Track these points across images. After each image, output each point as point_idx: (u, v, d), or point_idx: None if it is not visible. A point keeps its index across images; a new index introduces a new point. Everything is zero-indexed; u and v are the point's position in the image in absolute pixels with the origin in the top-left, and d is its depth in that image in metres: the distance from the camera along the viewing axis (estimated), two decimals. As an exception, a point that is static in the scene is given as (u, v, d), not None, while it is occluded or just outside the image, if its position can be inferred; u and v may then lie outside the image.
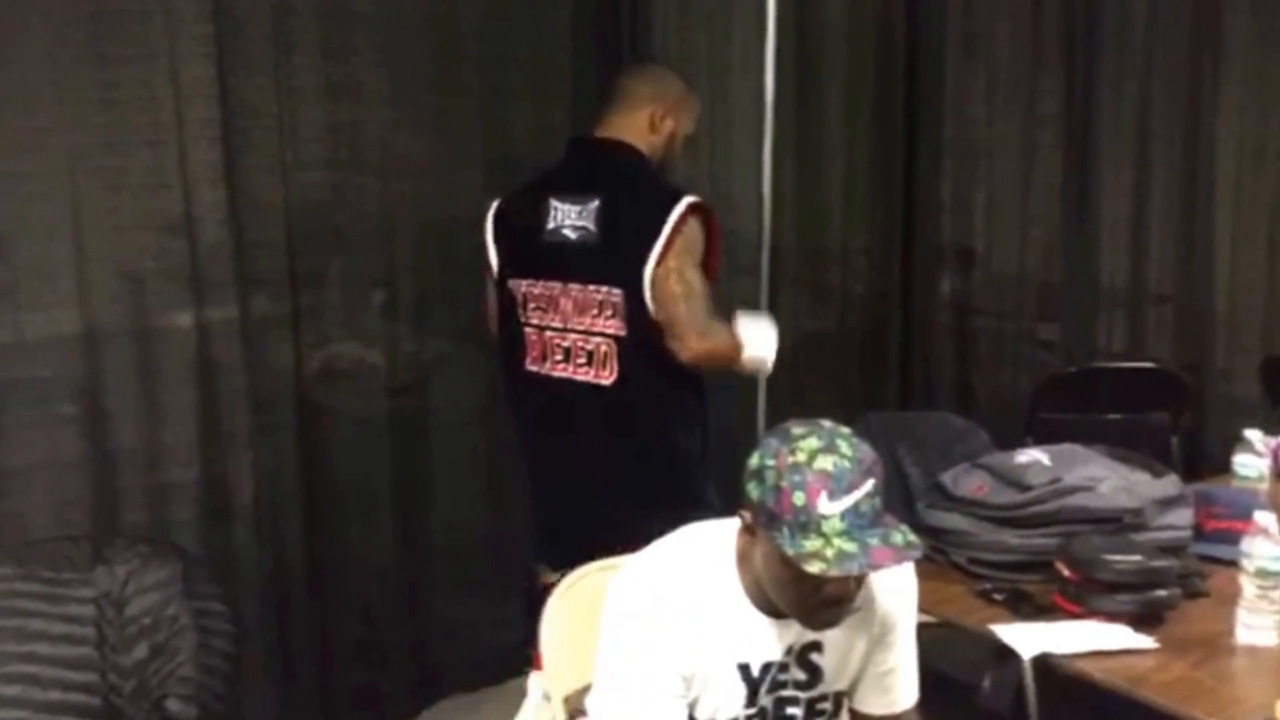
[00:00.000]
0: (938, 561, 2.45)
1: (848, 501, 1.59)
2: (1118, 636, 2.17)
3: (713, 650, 1.73)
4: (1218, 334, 4.75)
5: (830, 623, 1.72)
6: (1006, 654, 3.12)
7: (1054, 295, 4.46)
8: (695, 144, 3.55)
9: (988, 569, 2.44)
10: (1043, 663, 2.15)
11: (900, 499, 2.74)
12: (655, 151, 2.58)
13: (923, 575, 1.94)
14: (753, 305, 3.77)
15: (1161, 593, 2.24)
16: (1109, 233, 4.49)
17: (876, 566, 1.62)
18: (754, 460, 1.66)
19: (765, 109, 3.63)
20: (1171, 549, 2.39)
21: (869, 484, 1.61)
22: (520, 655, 2.57)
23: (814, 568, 1.57)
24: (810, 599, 1.66)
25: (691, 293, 2.43)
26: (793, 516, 1.59)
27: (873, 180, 4.01)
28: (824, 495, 1.59)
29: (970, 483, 2.57)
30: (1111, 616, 2.22)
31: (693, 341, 2.43)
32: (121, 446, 2.74)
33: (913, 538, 1.64)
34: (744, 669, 1.75)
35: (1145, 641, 2.16)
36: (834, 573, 1.58)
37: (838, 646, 1.81)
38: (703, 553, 1.77)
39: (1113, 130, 4.41)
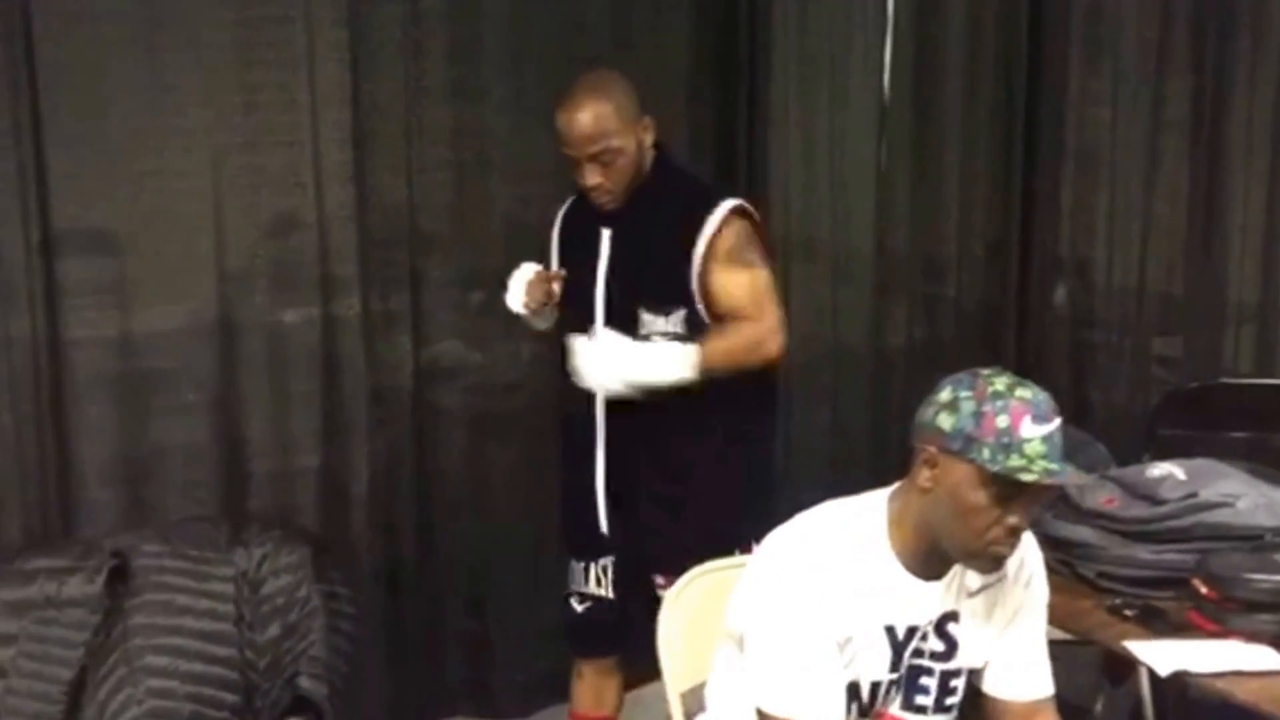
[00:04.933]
0: (1063, 575, 2.50)
1: (1048, 428, 1.81)
2: (1260, 657, 2.22)
3: (864, 611, 1.91)
4: (1355, 352, 4.83)
5: (997, 561, 1.90)
6: (1121, 675, 3.27)
7: (1176, 308, 4.58)
8: (811, 149, 3.82)
9: (1118, 584, 2.52)
10: (1174, 686, 2.23)
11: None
12: None
13: (1051, 589, 2.08)
14: (861, 313, 4.03)
15: (1305, 614, 2.29)
16: (1238, 244, 4.60)
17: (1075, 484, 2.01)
18: (944, 395, 1.86)
19: (882, 114, 3.88)
20: (1313, 570, 2.42)
21: (1059, 419, 1.84)
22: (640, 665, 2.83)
23: (1026, 476, 1.78)
24: (990, 530, 1.84)
25: None
26: (994, 439, 1.80)
27: (990, 187, 4.16)
28: (1027, 419, 1.80)
29: (1099, 495, 2.63)
30: (1251, 636, 2.27)
31: None
32: (250, 434, 3.06)
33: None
34: (890, 631, 1.94)
35: (1290, 664, 2.21)
36: (1046, 481, 1.79)
37: (975, 617, 1.99)
38: (851, 517, 1.96)
39: (1245, 137, 4.50)
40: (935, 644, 1.98)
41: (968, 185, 4.14)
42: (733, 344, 2.58)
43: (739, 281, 2.59)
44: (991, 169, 4.19)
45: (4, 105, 2.69)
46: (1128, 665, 2.71)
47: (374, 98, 3.09)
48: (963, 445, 1.82)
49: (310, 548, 2.74)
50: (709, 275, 2.58)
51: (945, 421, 1.84)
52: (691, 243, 2.56)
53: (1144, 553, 2.52)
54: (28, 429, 2.80)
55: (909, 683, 1.99)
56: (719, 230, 2.57)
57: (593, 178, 2.58)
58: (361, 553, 3.19)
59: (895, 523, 1.94)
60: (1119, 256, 4.43)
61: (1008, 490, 1.81)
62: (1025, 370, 4.27)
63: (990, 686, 2.08)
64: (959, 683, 2.02)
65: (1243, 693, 2.16)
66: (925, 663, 1.98)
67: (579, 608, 2.85)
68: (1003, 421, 1.80)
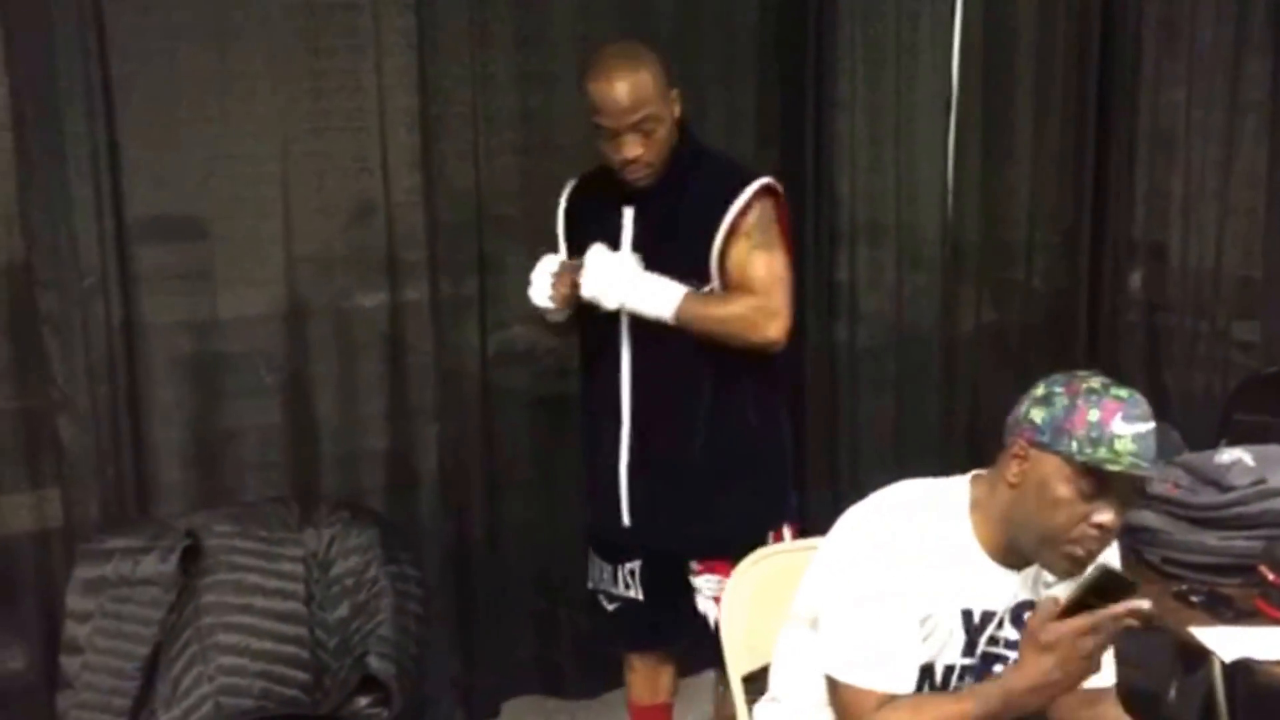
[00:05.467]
0: (1128, 560, 2.45)
1: (1140, 428, 1.81)
2: None
3: (943, 591, 1.91)
4: None
5: (1074, 563, 1.88)
6: (1195, 663, 3.23)
7: (1254, 292, 4.52)
8: (879, 132, 3.79)
9: (1184, 570, 2.53)
10: (1238, 673, 2.22)
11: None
12: None
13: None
14: (930, 298, 3.99)
15: (1374, 603, 2.27)
16: (1319, 227, 4.51)
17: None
18: (1038, 391, 1.88)
19: (950, 96, 3.84)
20: (1386, 558, 2.39)
21: (1154, 423, 1.83)
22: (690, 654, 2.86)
23: (1112, 466, 1.79)
24: (1075, 528, 1.84)
25: None
26: (1084, 431, 1.80)
27: (1061, 170, 4.10)
28: (1119, 416, 1.80)
29: (1165, 480, 2.64)
30: (1320, 625, 2.27)
31: None
32: (320, 417, 3.11)
33: None
34: (967, 615, 1.93)
35: (1358, 652, 2.18)
36: (1133, 472, 1.80)
37: None
38: (933, 498, 1.96)
39: (1326, 118, 4.43)
40: (1011, 633, 1.97)
41: (1039, 168, 4.09)
42: (725, 310, 2.53)
43: (754, 259, 2.53)
44: (1064, 151, 4.13)
45: (78, 94, 2.75)
46: (1200, 652, 2.64)
47: (441, 83, 3.12)
48: (1052, 437, 1.83)
49: (379, 529, 2.78)
50: (729, 249, 2.53)
51: (1037, 415, 1.86)
52: (719, 217, 2.52)
53: (1211, 539, 2.53)
54: (105, 411, 2.86)
55: (982, 670, 1.98)
56: (746, 207, 2.53)
57: (633, 149, 2.49)
58: (430, 534, 3.23)
59: (977, 509, 1.94)
60: (1195, 240, 4.37)
61: (1094, 485, 1.81)
62: (1098, 355, 4.29)
63: None
64: None
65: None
66: (1000, 651, 1.97)
67: (609, 607, 2.81)
68: (1094, 415, 1.81)
